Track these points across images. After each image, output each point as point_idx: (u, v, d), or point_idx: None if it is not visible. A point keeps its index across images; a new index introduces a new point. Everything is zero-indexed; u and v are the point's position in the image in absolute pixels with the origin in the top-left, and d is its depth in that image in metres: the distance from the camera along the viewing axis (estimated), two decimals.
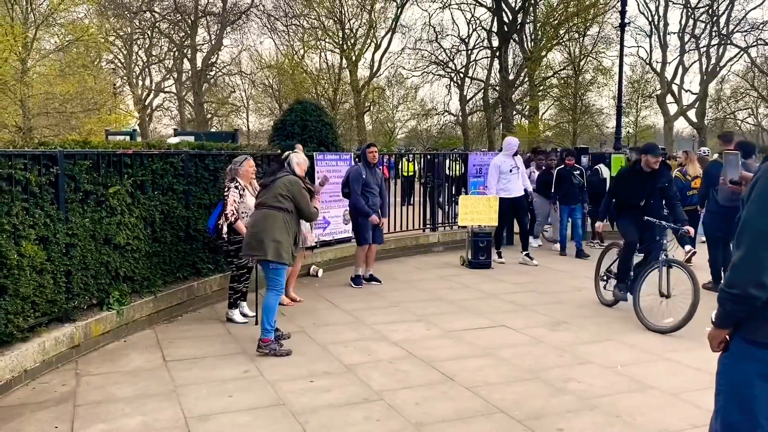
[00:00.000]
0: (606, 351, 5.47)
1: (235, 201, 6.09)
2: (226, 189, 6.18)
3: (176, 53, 40.10)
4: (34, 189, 4.87)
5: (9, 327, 4.55)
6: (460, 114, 40.78)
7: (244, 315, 6.41)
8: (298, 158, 5.62)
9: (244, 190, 6.20)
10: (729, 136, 8.24)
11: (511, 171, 9.67)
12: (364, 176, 7.90)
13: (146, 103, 40.84)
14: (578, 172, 10.53)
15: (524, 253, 9.80)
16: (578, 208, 10.57)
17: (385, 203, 8.39)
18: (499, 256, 9.82)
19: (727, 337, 2.46)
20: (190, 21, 37.88)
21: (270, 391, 4.55)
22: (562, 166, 10.58)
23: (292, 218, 5.34)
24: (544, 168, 11.61)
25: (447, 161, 12.17)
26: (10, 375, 4.47)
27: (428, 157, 12.39)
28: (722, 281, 2.41)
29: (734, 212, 7.01)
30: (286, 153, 5.74)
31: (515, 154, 9.90)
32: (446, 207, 11.85)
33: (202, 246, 6.94)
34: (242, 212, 6.14)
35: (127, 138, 18.08)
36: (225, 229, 6.13)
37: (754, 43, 36.03)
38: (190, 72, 39.85)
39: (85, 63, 22.98)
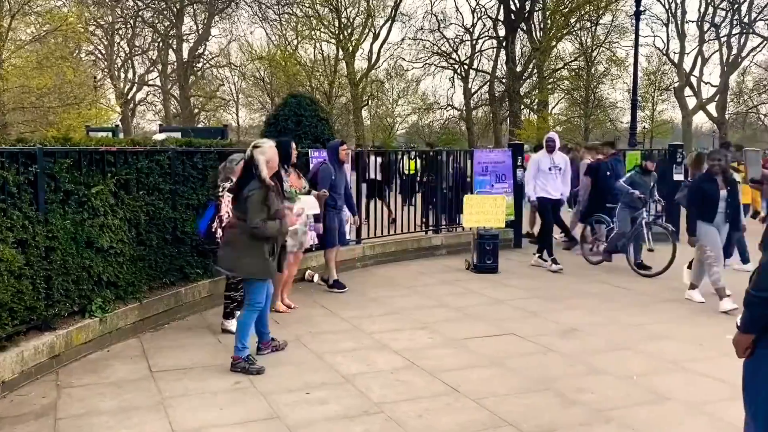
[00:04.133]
0: (620, 360, 5.50)
1: (228, 203, 6.07)
2: (220, 189, 6.12)
3: (161, 44, 40.10)
4: (11, 189, 4.89)
5: None
6: (464, 108, 40.84)
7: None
8: (266, 155, 5.17)
9: None
10: (612, 143, 10.88)
11: (549, 170, 9.61)
12: (333, 177, 7.80)
13: (129, 97, 40.87)
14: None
15: (538, 255, 9.82)
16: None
17: (352, 202, 8.63)
18: (555, 263, 9.45)
19: (753, 342, 2.50)
20: (175, 9, 37.89)
21: (263, 403, 4.58)
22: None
23: None
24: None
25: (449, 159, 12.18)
26: None
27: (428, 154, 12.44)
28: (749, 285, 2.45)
29: None
30: (248, 151, 5.28)
31: (551, 151, 9.70)
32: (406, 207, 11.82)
33: (190, 249, 6.96)
34: None
35: (110, 135, 18.08)
36: (220, 232, 6.11)
37: None
38: (175, 64, 39.86)
39: (63, 54, 22.99)
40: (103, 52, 38.95)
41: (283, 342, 5.76)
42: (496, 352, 5.72)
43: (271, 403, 4.57)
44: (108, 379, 5.05)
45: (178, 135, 13.63)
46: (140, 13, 37.93)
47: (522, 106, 36.91)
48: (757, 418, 2.55)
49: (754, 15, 36.14)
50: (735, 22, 36.73)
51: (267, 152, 5.18)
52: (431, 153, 12.82)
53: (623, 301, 7.67)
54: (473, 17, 38.57)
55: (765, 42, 36.76)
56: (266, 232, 5.05)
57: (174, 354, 5.65)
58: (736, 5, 36.06)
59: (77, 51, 30.83)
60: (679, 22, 38.52)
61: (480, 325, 6.61)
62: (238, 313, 6.35)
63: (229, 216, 6.03)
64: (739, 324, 2.53)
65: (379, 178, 13.05)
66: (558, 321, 6.73)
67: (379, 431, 4.13)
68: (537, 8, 35.39)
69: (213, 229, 6.10)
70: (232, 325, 6.31)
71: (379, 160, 13.50)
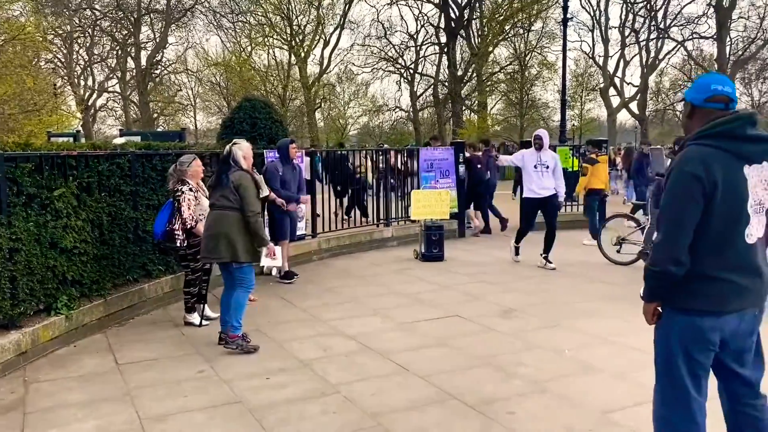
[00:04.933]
0: (554, 337, 5.65)
1: (190, 205, 5.96)
2: (178, 192, 5.96)
3: (119, 52, 39.05)
4: None
5: None
6: (411, 110, 41.07)
7: (207, 317, 6.25)
8: (243, 151, 5.42)
9: (197, 191, 6.08)
10: (486, 141, 12.15)
11: (535, 167, 8.66)
12: (280, 173, 7.80)
13: (89, 104, 39.65)
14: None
15: (543, 256, 8.90)
16: None
17: (303, 194, 8.45)
18: (516, 253, 9.18)
19: (659, 309, 2.73)
20: (132, 19, 36.96)
21: (226, 389, 4.54)
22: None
23: None
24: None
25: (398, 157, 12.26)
26: None
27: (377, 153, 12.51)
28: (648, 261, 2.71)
29: None
30: (227, 147, 5.51)
31: (540, 148, 8.74)
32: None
33: (152, 247, 6.82)
34: (199, 214, 5.95)
35: (71, 140, 17.53)
36: (182, 235, 5.97)
37: (690, 37, 37.51)
38: (134, 71, 38.89)
39: (22, 63, 22.06)
40: (63, 60, 37.65)
41: (244, 334, 5.68)
42: (442, 333, 5.80)
43: (233, 389, 4.54)
44: (75, 373, 4.93)
45: (137, 139, 13.34)
46: (98, 22, 36.89)
47: (463, 108, 37.31)
48: (658, 376, 2.76)
49: (668, 21, 37.44)
50: (652, 28, 37.94)
51: (243, 148, 5.46)
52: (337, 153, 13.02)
53: (558, 283, 7.87)
54: (417, 25, 38.93)
55: (679, 46, 38.10)
56: (258, 222, 5.32)
57: (139, 347, 5.55)
58: (653, 12, 37.24)
59: (36, 59, 29.67)
60: (603, 28, 39.62)
61: (428, 309, 6.69)
62: (199, 306, 6.28)
63: (192, 218, 5.94)
64: (641, 295, 2.74)
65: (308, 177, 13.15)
66: (498, 303, 6.86)
67: (336, 410, 4.15)
68: (475, 16, 35.82)
69: (175, 231, 5.95)
70: (194, 318, 6.23)
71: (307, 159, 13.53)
